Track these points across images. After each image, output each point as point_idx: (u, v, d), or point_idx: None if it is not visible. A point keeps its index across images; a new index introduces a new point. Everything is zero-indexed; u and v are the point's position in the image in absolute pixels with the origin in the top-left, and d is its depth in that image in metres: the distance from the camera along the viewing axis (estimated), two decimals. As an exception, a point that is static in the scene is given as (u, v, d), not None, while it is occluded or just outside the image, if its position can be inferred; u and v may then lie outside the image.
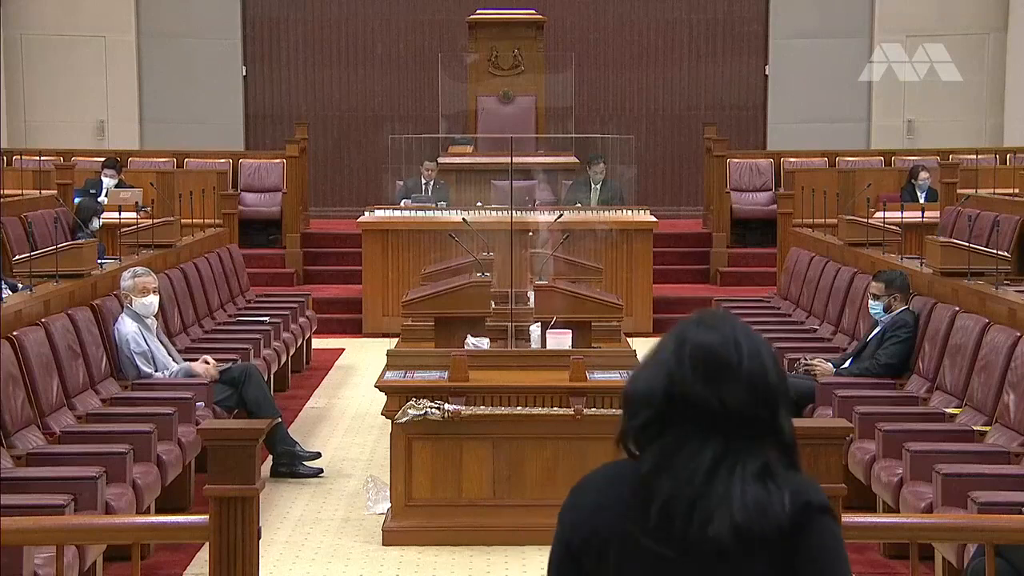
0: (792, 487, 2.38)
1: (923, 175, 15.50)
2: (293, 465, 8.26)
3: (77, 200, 13.17)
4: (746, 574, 2.36)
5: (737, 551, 2.34)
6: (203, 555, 5.79)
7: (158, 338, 8.41)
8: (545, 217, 12.30)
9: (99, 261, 9.47)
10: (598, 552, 2.45)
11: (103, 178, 14.94)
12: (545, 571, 2.54)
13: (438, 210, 14.02)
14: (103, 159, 15.58)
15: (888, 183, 15.97)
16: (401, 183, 15.27)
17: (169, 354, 8.41)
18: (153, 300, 8.32)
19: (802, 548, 2.37)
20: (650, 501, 2.38)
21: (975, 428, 6.86)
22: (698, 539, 2.35)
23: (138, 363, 8.15)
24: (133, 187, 15.06)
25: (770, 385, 2.46)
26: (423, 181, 14.98)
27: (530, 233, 9.89)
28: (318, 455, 8.46)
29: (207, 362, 8.37)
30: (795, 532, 2.36)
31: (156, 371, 8.20)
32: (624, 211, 14.17)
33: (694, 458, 2.37)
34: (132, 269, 8.41)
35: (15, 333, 6.84)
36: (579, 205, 14.53)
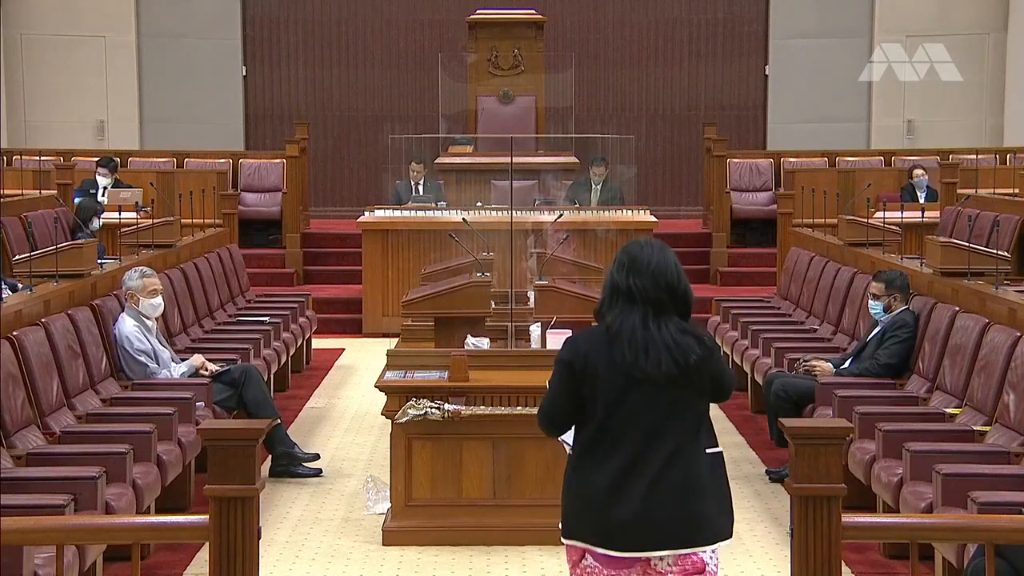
0: (696, 336, 4.15)
1: (917, 172, 15.52)
2: (292, 466, 8.26)
3: (77, 200, 13.16)
4: (682, 389, 4.11)
5: (677, 376, 4.10)
6: (203, 555, 5.78)
7: (158, 339, 8.40)
8: (545, 217, 12.30)
9: (99, 261, 9.47)
10: (591, 377, 4.15)
11: (97, 177, 14.85)
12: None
13: (438, 210, 14.02)
14: (97, 158, 15.52)
15: (888, 183, 15.97)
16: (399, 182, 15.26)
17: (167, 353, 8.41)
18: (160, 302, 8.34)
19: (709, 369, 4.15)
20: (620, 347, 4.13)
21: (975, 428, 6.86)
22: (654, 371, 4.10)
23: (143, 360, 8.14)
24: (130, 186, 15.04)
25: (668, 280, 4.17)
26: (411, 182, 14.97)
27: (531, 235, 9.89)
28: (317, 456, 8.45)
29: (204, 366, 8.38)
30: (704, 361, 4.13)
31: (161, 369, 8.19)
32: (624, 211, 14.16)
33: (629, 320, 4.14)
34: (139, 268, 8.37)
35: (15, 333, 6.84)
36: (577, 205, 14.52)
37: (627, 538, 4.12)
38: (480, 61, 16.86)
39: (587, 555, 4.23)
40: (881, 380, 8.06)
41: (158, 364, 8.20)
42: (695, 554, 4.11)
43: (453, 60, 18.24)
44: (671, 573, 4.13)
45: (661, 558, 4.13)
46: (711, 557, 4.13)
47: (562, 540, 4.26)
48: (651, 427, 4.14)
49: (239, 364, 8.69)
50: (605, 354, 4.16)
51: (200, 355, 8.53)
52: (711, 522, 4.12)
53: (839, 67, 19.40)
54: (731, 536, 4.16)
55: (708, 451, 4.17)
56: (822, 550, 3.90)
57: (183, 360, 8.45)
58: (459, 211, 13.26)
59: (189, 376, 8.28)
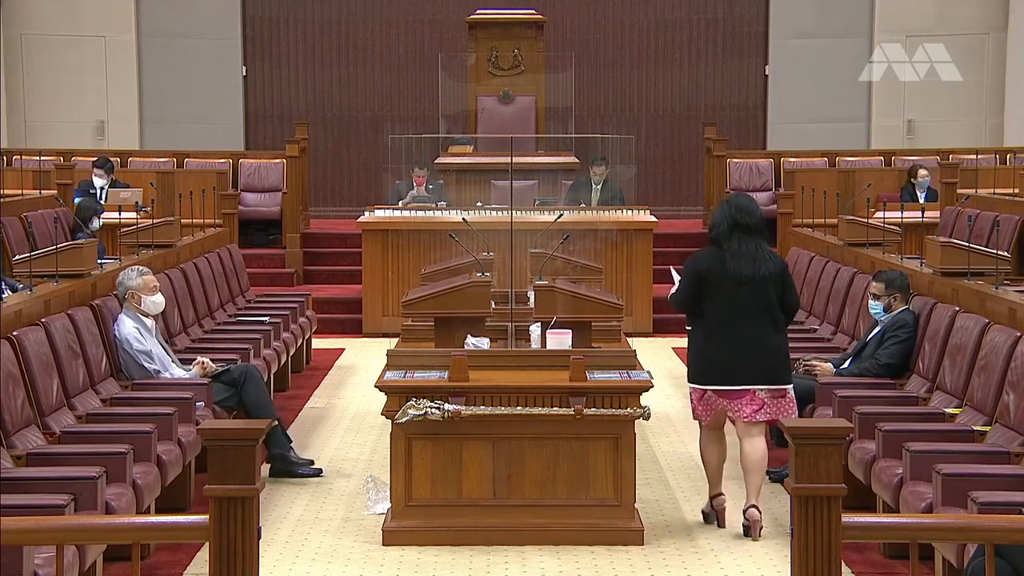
0: (772, 258, 7.05)
1: (922, 172, 15.52)
2: (287, 467, 8.23)
3: (77, 200, 13.16)
4: (765, 289, 6.94)
5: (764, 280, 6.94)
6: (203, 555, 5.78)
7: (157, 340, 8.40)
8: (545, 217, 12.30)
9: (99, 261, 9.47)
10: (708, 279, 6.97)
11: (93, 178, 14.84)
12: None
13: (438, 210, 14.02)
14: (94, 159, 15.51)
15: (888, 183, 15.98)
16: (399, 182, 15.24)
17: (168, 355, 8.40)
18: (162, 298, 8.35)
19: (783, 279, 7.04)
20: (731, 259, 6.94)
21: (975, 428, 6.86)
22: (751, 275, 6.93)
23: (142, 362, 8.14)
24: (128, 186, 15.05)
25: (760, 216, 7.10)
26: (414, 186, 14.93)
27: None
28: (311, 462, 8.40)
29: (204, 365, 8.35)
30: (772, 274, 6.97)
31: (163, 371, 8.19)
32: (624, 211, 14.16)
33: (742, 244, 6.97)
34: (135, 268, 8.37)
35: (15, 333, 6.84)
36: (583, 205, 14.53)
37: (741, 377, 6.97)
38: (480, 61, 16.86)
39: (707, 392, 7.04)
40: (881, 380, 8.06)
41: (159, 365, 8.20)
42: (782, 389, 7.04)
43: (453, 60, 18.24)
44: (766, 397, 7.00)
45: (761, 389, 6.99)
46: (790, 390, 7.09)
47: (689, 384, 7.16)
48: (750, 311, 6.94)
49: (239, 364, 8.68)
50: (719, 264, 6.95)
51: (204, 361, 8.45)
52: (788, 371, 7.11)
53: (839, 67, 19.41)
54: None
55: (781, 332, 7.04)
56: (822, 550, 3.90)
57: (183, 364, 8.43)
58: (459, 211, 13.26)
59: (189, 376, 8.27)
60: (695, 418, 7.23)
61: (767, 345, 6.97)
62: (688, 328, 7.19)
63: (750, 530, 7.03)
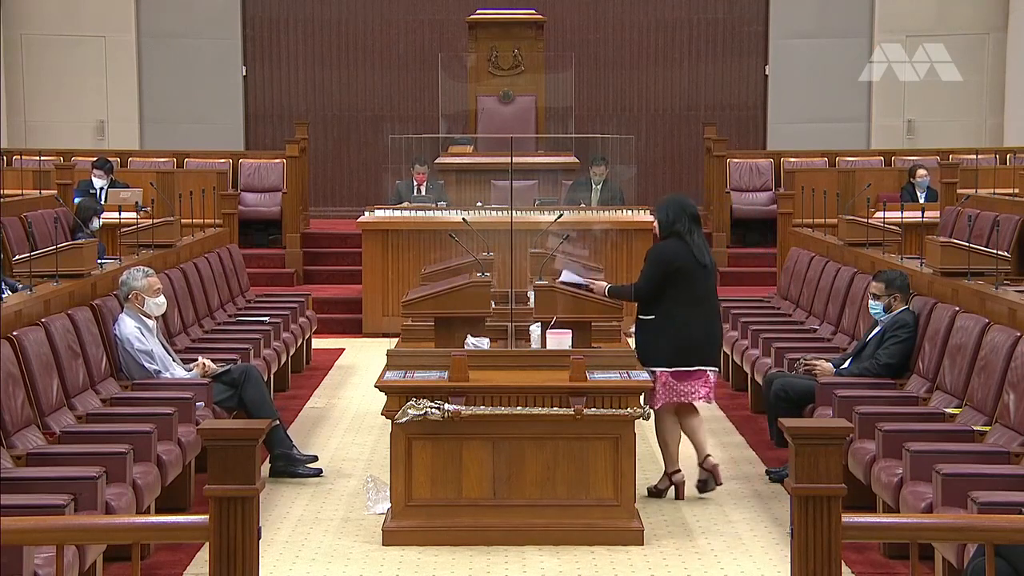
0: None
1: (921, 172, 15.51)
2: (290, 467, 8.24)
3: (77, 200, 13.16)
4: (714, 276, 7.76)
5: (714, 267, 7.75)
6: (203, 555, 5.79)
7: (158, 339, 8.40)
8: (545, 217, 12.30)
9: (99, 261, 9.47)
10: (677, 268, 7.51)
11: (92, 179, 14.84)
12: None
13: (438, 210, 14.02)
14: (93, 159, 15.51)
15: (888, 183, 15.98)
16: (399, 182, 15.24)
17: (168, 355, 8.39)
18: (164, 300, 8.34)
19: (714, 269, 7.81)
20: (695, 248, 7.58)
21: (975, 428, 6.86)
22: (710, 263, 7.65)
23: (143, 362, 8.13)
24: (128, 186, 15.04)
25: (696, 209, 7.89)
26: (415, 183, 14.93)
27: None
28: (315, 458, 8.42)
29: (205, 366, 8.34)
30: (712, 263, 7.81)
31: (164, 371, 8.18)
32: (624, 211, 14.16)
33: (698, 235, 7.64)
34: (140, 268, 8.35)
35: (15, 333, 6.84)
36: (583, 205, 14.52)
37: (706, 358, 7.56)
38: (480, 61, 16.86)
39: (669, 377, 7.51)
40: (881, 380, 8.06)
41: (160, 365, 8.20)
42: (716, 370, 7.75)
43: (453, 60, 18.24)
44: (712, 377, 7.64)
45: (712, 370, 7.61)
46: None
47: (657, 370, 7.48)
48: (711, 296, 7.66)
49: (239, 364, 8.68)
50: (688, 254, 7.53)
51: (204, 361, 8.43)
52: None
53: (839, 67, 19.40)
54: None
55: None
56: (822, 550, 3.90)
57: (184, 363, 8.43)
58: (459, 211, 13.26)
59: (190, 376, 8.27)
60: (654, 405, 7.57)
61: (719, 327, 7.82)
62: (649, 317, 7.61)
63: (712, 479, 7.76)
